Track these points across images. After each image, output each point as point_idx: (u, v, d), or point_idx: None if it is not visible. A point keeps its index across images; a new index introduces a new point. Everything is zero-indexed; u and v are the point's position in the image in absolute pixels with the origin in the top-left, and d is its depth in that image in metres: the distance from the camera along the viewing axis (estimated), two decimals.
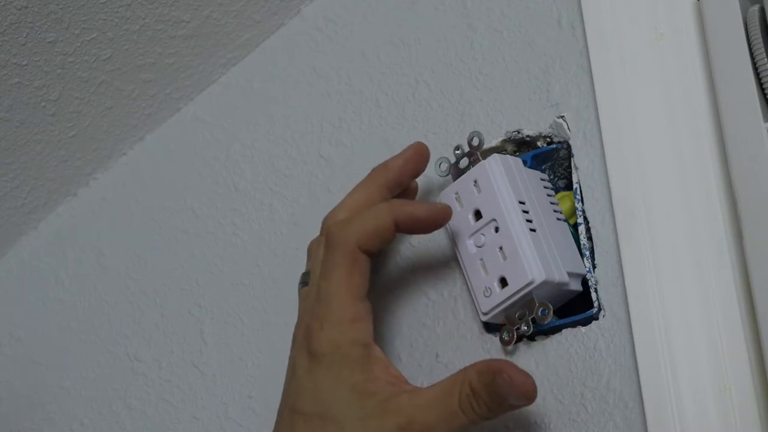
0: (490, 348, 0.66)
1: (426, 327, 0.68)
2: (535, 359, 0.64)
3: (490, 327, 0.66)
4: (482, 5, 0.72)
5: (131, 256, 0.84)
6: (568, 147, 0.67)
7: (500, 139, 0.69)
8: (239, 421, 0.75)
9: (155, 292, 0.82)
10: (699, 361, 0.59)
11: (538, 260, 0.62)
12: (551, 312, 0.62)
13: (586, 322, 0.63)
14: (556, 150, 0.68)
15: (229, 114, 0.83)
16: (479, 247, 0.64)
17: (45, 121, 0.82)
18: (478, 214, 0.65)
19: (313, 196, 0.77)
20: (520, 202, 0.64)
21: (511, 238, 0.63)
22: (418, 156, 0.67)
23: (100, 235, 0.86)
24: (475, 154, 0.66)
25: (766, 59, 0.60)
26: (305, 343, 0.62)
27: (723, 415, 0.57)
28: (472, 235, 0.65)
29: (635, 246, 0.62)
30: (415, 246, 0.70)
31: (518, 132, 0.69)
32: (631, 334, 0.61)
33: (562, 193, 0.68)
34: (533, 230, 0.63)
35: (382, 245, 0.63)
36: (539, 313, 0.62)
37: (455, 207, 0.65)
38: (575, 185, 0.66)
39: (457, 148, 0.67)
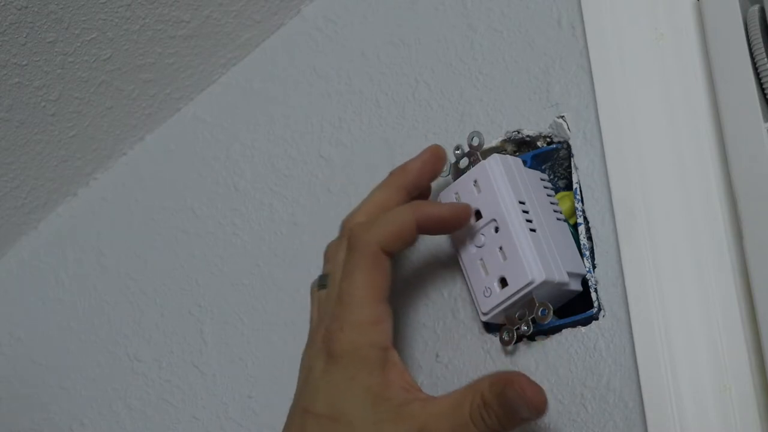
0: (490, 348, 0.66)
1: (426, 327, 0.68)
2: (535, 359, 0.64)
3: (490, 327, 0.66)
4: (482, 5, 0.72)
5: (131, 256, 0.84)
6: (568, 147, 0.67)
7: (500, 139, 0.69)
8: (239, 421, 0.75)
9: (155, 292, 0.82)
10: (699, 361, 0.59)
11: (538, 260, 0.62)
12: (551, 312, 0.62)
13: (586, 322, 0.63)
14: (556, 150, 0.68)
15: (229, 114, 0.83)
16: (479, 247, 0.64)
17: (45, 121, 0.82)
18: (478, 214, 0.65)
19: (313, 196, 0.77)
20: (520, 202, 0.64)
21: (511, 238, 0.63)
22: (436, 158, 0.67)
23: (100, 235, 0.87)
24: (475, 154, 0.66)
25: (766, 59, 0.60)
26: (324, 345, 0.62)
27: (723, 415, 0.57)
28: (472, 235, 0.65)
29: (635, 246, 0.62)
30: (415, 246, 0.70)
31: (518, 132, 0.69)
32: (631, 334, 0.61)
33: (562, 193, 0.68)
34: (533, 230, 0.63)
35: (404, 247, 0.63)
36: (539, 313, 0.62)
37: None
38: (575, 185, 0.66)
39: (457, 148, 0.67)
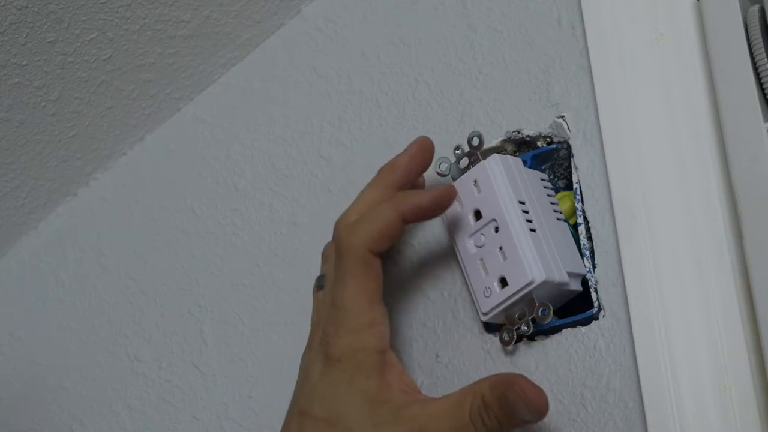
0: (490, 348, 0.66)
1: (426, 327, 0.68)
2: (535, 359, 0.64)
3: (490, 327, 0.66)
4: (482, 5, 0.72)
5: (131, 256, 0.84)
6: (568, 147, 0.67)
7: (500, 139, 0.69)
8: (239, 421, 0.75)
9: (155, 292, 0.82)
10: (699, 361, 0.59)
11: (538, 260, 0.62)
12: (551, 312, 0.62)
13: (586, 322, 0.63)
14: (556, 150, 0.68)
15: (229, 114, 0.83)
16: (479, 247, 0.64)
17: (45, 121, 0.82)
18: (478, 214, 0.65)
19: (313, 196, 0.77)
20: (520, 202, 0.64)
21: (511, 238, 0.63)
22: (423, 151, 0.67)
23: (100, 235, 0.87)
24: (475, 154, 0.66)
25: (766, 59, 0.60)
26: (322, 348, 0.62)
27: (723, 415, 0.57)
28: (472, 235, 0.65)
29: (635, 246, 0.62)
30: (415, 246, 0.70)
31: (518, 132, 0.69)
32: (631, 334, 0.61)
33: (562, 193, 0.68)
34: (533, 230, 0.63)
35: (392, 243, 0.63)
36: (539, 313, 0.62)
37: (455, 207, 0.65)
38: (575, 185, 0.66)
39: (457, 148, 0.67)
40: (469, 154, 0.67)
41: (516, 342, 0.64)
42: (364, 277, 0.62)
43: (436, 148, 0.68)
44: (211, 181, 0.82)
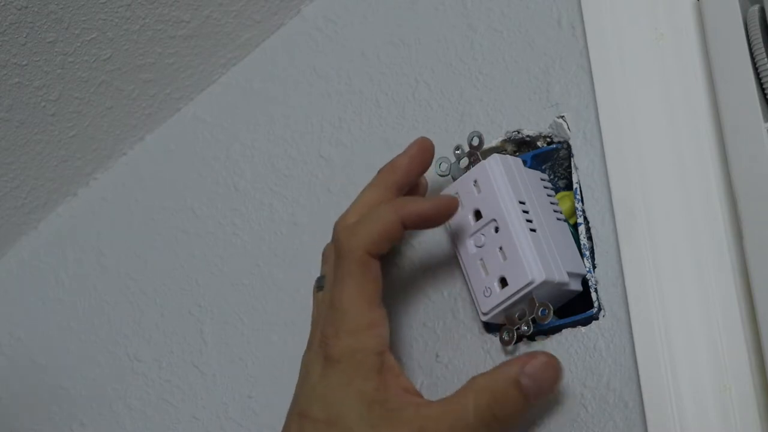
0: (490, 348, 0.66)
1: (426, 327, 0.68)
2: None
3: (490, 327, 0.66)
4: (482, 5, 0.72)
5: (131, 256, 0.84)
6: (568, 147, 0.67)
7: (500, 139, 0.69)
8: (239, 421, 0.75)
9: (155, 292, 0.82)
10: (699, 361, 0.58)
11: (538, 260, 0.62)
12: (551, 312, 0.62)
13: (586, 322, 0.63)
14: (556, 150, 0.68)
15: (229, 114, 0.83)
16: (479, 247, 0.64)
17: (45, 121, 0.82)
18: (478, 214, 0.65)
19: (313, 196, 0.77)
20: (520, 202, 0.64)
21: (511, 238, 0.63)
22: (423, 152, 0.67)
23: (100, 235, 0.87)
24: (475, 154, 0.66)
25: (766, 59, 0.60)
26: (321, 350, 0.62)
27: (723, 415, 0.57)
28: (472, 235, 0.65)
29: (635, 246, 0.62)
30: (414, 246, 0.70)
31: (518, 132, 0.69)
32: (631, 334, 0.61)
33: (562, 193, 0.68)
34: (533, 230, 0.63)
35: (391, 245, 0.63)
36: (539, 313, 0.62)
37: None
38: (575, 185, 0.66)
39: (457, 148, 0.67)
40: (469, 154, 0.67)
41: (516, 342, 0.64)
42: (363, 279, 0.62)
43: (436, 148, 0.68)
44: (211, 181, 0.82)
